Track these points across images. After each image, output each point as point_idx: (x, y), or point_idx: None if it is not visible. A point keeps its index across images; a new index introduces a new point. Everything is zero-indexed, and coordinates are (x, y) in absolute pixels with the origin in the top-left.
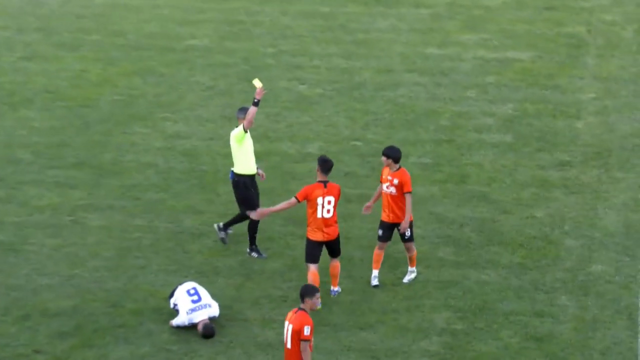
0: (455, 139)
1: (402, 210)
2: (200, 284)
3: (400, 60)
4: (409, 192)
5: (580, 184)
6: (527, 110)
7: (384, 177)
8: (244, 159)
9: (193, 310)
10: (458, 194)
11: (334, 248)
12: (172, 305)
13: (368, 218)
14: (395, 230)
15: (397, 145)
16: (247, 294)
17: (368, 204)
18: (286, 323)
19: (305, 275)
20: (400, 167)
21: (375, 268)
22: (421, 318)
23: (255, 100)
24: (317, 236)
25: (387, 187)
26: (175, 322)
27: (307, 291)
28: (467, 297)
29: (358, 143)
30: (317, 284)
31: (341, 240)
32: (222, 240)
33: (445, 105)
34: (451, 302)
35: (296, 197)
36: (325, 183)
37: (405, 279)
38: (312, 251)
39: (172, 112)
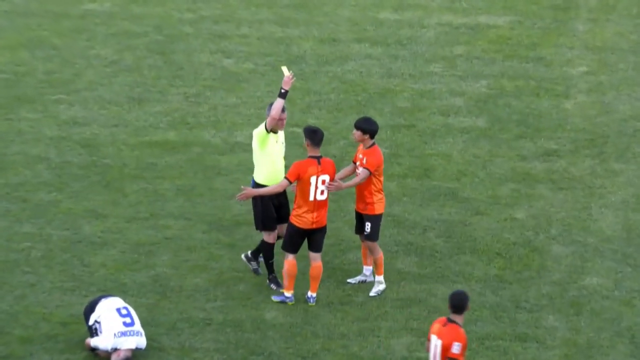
0: (417, 123)
1: (371, 196)
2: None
3: (348, 27)
4: (366, 169)
5: (570, 178)
6: (505, 88)
7: (357, 155)
8: (266, 165)
9: (123, 334)
10: (420, 192)
11: (318, 240)
12: (91, 322)
13: None
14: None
15: (346, 132)
16: (163, 316)
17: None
18: (433, 337)
19: (235, 292)
20: (374, 144)
21: (365, 264)
22: (376, 344)
23: (282, 91)
24: (304, 222)
25: (358, 167)
26: (95, 342)
27: (464, 300)
28: (433, 317)
29: (297, 129)
30: (292, 278)
31: (278, 250)
32: (255, 271)
33: (404, 82)
34: (413, 324)
35: (287, 178)
36: (318, 159)
37: (373, 292)
38: (295, 239)
39: (67, 93)
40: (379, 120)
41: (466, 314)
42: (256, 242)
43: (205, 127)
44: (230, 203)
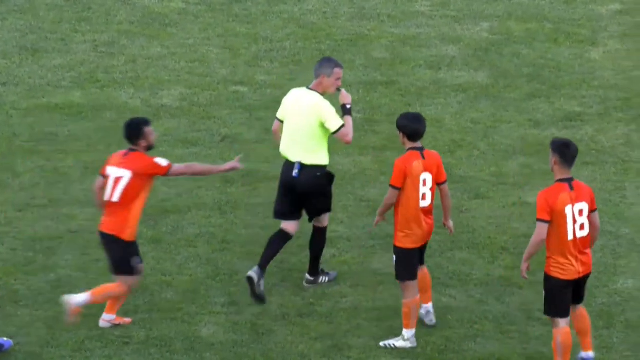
0: (398, 79)
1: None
2: None
3: None
4: (390, 185)
5: (598, 149)
6: (512, 33)
7: None
8: (326, 144)
9: None
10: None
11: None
12: None
13: (255, 214)
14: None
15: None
16: (67, 333)
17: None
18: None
19: (161, 302)
20: (413, 149)
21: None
22: None
23: (347, 107)
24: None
25: None
26: None
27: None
28: (419, 333)
29: (242, 89)
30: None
31: (218, 246)
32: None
33: (381, 25)
34: None
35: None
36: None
37: (382, 343)
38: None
39: None
40: (348, 77)
41: (460, 327)
42: (188, 234)
43: (121, 86)
44: (155, 185)
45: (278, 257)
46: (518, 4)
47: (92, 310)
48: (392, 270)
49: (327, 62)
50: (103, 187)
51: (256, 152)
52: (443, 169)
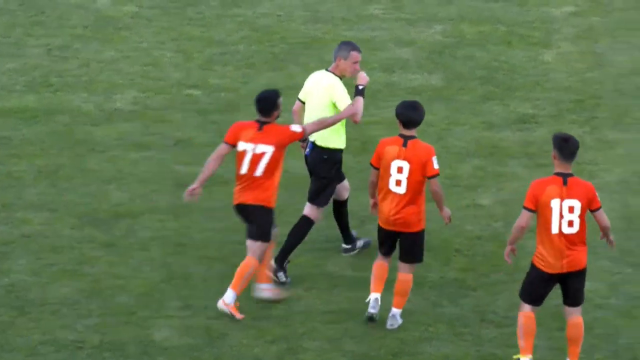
0: (352, 82)
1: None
2: None
3: None
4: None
5: (551, 151)
6: (466, 35)
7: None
8: (342, 126)
9: None
10: (358, 171)
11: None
12: None
13: (210, 217)
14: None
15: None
16: (20, 338)
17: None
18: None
19: (115, 305)
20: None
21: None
22: None
23: (360, 88)
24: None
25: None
26: None
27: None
28: (373, 335)
29: (196, 92)
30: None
31: (172, 249)
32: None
33: (334, 28)
34: (348, 344)
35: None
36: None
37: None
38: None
39: None
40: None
41: (414, 330)
42: (142, 238)
43: (74, 90)
44: (109, 189)
45: (232, 260)
46: (471, 7)
47: (44, 315)
48: (347, 273)
49: (345, 45)
50: (224, 156)
51: (210, 156)
52: (432, 164)
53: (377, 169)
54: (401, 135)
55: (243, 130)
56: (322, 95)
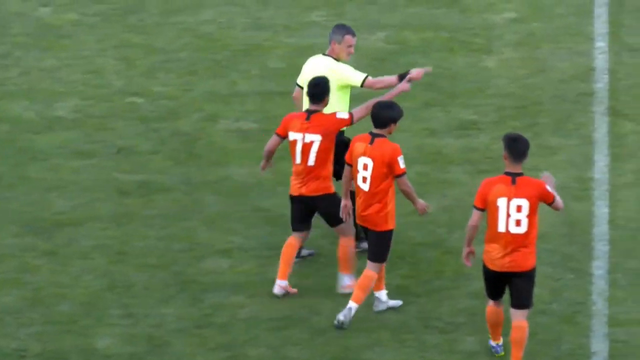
0: (294, 89)
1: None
2: None
3: None
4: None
5: (493, 157)
6: (408, 42)
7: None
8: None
9: None
10: None
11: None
12: None
13: (151, 225)
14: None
15: (202, 102)
16: None
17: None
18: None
19: (57, 314)
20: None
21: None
22: None
23: (406, 76)
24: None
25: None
26: None
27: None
28: (317, 341)
29: (138, 100)
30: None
31: (114, 257)
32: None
33: (276, 35)
34: (291, 351)
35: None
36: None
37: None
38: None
39: None
40: (243, 87)
41: (357, 336)
42: (84, 246)
43: (15, 98)
44: (50, 197)
45: (174, 268)
46: (413, 14)
47: None
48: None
49: (338, 29)
50: (276, 147)
51: (152, 163)
52: (397, 164)
53: (349, 165)
54: (370, 133)
55: (292, 120)
56: (341, 70)
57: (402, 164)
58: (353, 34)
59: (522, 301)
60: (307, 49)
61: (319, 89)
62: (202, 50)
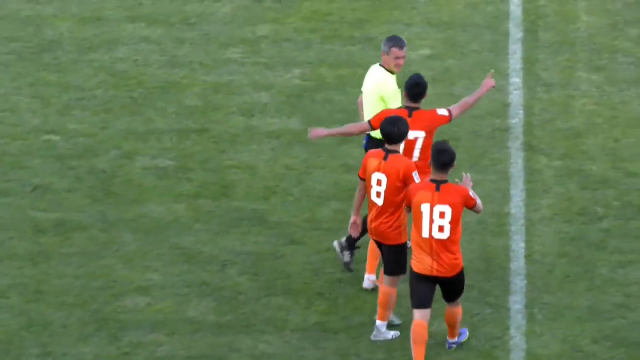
0: (211, 127)
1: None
2: None
3: (117, 2)
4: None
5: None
6: (324, 79)
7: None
8: None
9: None
10: (218, 216)
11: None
12: None
13: (69, 264)
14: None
15: (118, 139)
16: None
17: None
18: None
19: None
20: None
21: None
22: None
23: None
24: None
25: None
26: None
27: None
28: None
29: (54, 138)
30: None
31: (31, 296)
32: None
33: (192, 73)
34: None
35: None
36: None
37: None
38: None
39: None
40: (160, 125)
41: None
42: (0, 285)
43: None
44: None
45: (92, 306)
46: (330, 51)
47: None
48: (208, 318)
49: (387, 41)
50: (362, 132)
51: (68, 202)
52: (412, 179)
53: (363, 180)
54: (384, 149)
55: None
56: (370, 89)
57: (417, 179)
58: (401, 47)
59: (454, 298)
60: (224, 86)
61: (418, 89)
62: (118, 88)
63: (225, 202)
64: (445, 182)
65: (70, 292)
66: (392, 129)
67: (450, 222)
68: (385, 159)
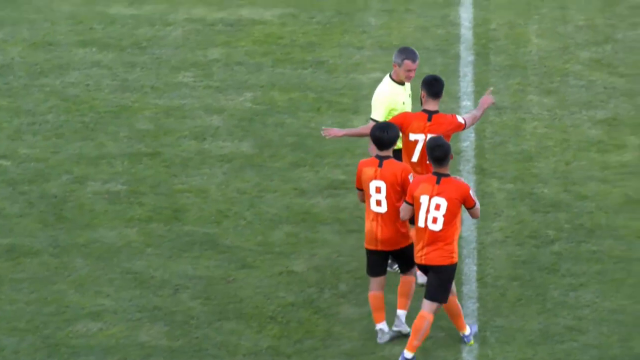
0: (163, 150)
1: None
2: None
3: (68, 26)
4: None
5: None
6: (276, 103)
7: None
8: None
9: None
10: (169, 240)
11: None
12: None
13: (20, 289)
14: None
15: (69, 164)
16: None
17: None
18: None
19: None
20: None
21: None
22: None
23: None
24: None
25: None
26: None
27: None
28: None
29: (5, 162)
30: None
31: None
32: None
33: (144, 97)
34: None
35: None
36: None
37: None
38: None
39: None
40: (112, 149)
41: None
42: None
43: None
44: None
45: (43, 332)
46: (281, 74)
47: None
48: (161, 342)
49: (399, 52)
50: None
51: (19, 227)
52: (408, 182)
53: (361, 190)
54: (377, 157)
55: (413, 121)
56: (374, 99)
57: (411, 181)
58: (413, 60)
59: (430, 293)
60: (175, 109)
61: (440, 87)
62: (70, 112)
63: (176, 226)
64: (446, 175)
65: (21, 318)
66: (382, 134)
67: (444, 215)
68: (380, 165)
